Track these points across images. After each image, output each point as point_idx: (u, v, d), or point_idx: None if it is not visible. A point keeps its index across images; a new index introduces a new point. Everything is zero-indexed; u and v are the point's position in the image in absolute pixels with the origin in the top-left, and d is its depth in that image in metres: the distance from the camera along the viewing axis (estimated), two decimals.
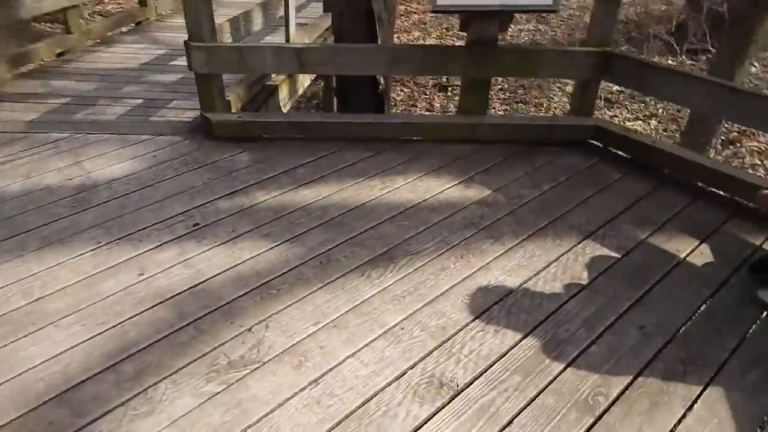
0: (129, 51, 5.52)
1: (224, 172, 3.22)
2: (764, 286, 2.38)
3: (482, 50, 3.34)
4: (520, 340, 2.12)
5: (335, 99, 4.93)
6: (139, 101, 4.19)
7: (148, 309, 2.25)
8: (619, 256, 2.60)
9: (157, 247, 2.61)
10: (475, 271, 2.48)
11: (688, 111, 5.69)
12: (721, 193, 3.07)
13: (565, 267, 2.52)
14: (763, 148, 5.88)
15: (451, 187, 3.11)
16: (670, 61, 7.98)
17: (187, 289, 2.36)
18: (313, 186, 3.10)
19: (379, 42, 4.23)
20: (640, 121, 6.50)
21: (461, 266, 2.51)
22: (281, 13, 5.29)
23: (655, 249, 2.65)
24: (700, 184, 3.13)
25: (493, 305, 2.29)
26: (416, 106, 7.07)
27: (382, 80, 4.31)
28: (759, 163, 5.64)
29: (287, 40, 5.38)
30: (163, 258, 2.54)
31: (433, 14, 3.46)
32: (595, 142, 3.55)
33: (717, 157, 5.33)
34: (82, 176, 3.16)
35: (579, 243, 2.68)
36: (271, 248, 2.61)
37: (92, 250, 2.59)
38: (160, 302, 2.29)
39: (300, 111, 6.89)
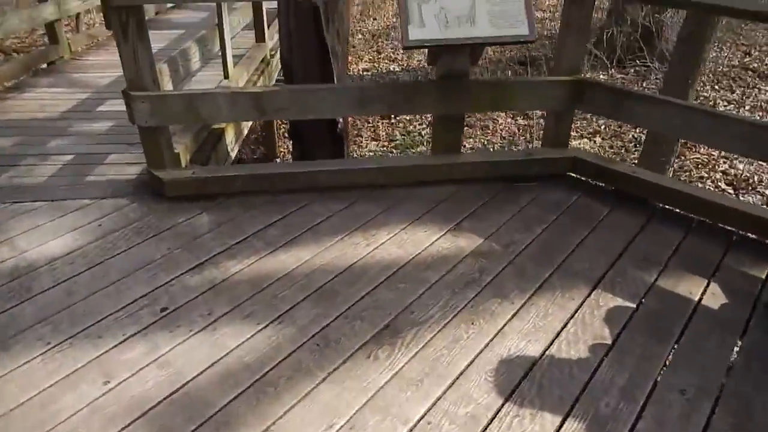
0: (46, 97, 4.94)
1: (185, 239, 2.84)
2: None
3: (454, 85, 3.14)
4: (562, 424, 1.90)
5: (288, 140, 4.61)
6: (70, 157, 3.69)
7: (122, 429, 1.87)
8: (635, 305, 2.44)
9: (121, 343, 2.21)
10: (491, 340, 2.25)
11: (645, 131, 5.73)
12: (710, 221, 2.99)
13: (584, 325, 2.33)
14: (705, 160, 6.02)
15: (439, 237, 2.88)
16: (601, 76, 8.14)
17: (167, 397, 1.99)
18: (289, 249, 2.78)
19: (335, 76, 3.97)
20: (585, 139, 6.53)
21: (474, 335, 2.27)
22: (217, 47, 4.94)
23: (668, 294, 2.51)
24: (688, 213, 3.05)
25: (521, 381, 2.06)
26: (361, 136, 6.83)
27: (340, 119, 4.04)
28: (705, 175, 5.76)
29: (226, 77, 5.03)
30: (130, 358, 2.15)
31: (405, 50, 3.21)
32: (574, 175, 3.43)
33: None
34: (15, 257, 2.70)
35: (590, 294, 2.50)
36: (258, 332, 2.27)
37: (41, 353, 2.16)
38: (137, 418, 1.91)
39: (242, 152, 6.48)
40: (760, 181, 5.55)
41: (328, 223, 2.99)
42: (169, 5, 8.71)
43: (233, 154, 4.54)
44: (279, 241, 2.83)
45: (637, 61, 8.24)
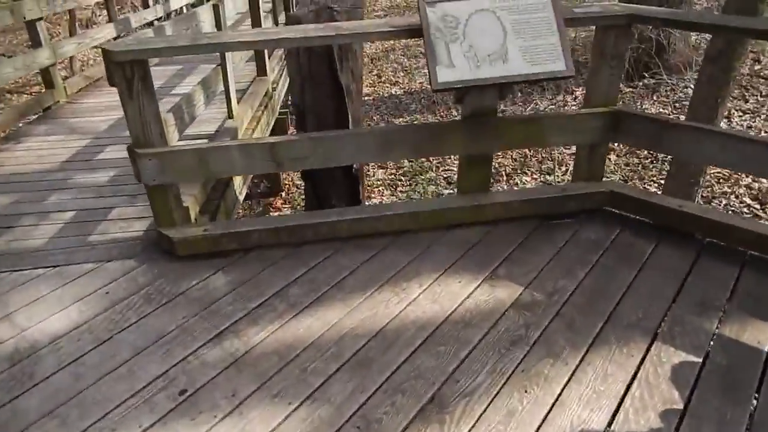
0: (44, 146, 4.72)
1: (200, 305, 2.61)
2: None
3: (481, 123, 2.93)
4: None
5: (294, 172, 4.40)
6: (71, 214, 3.46)
7: None
8: (700, 360, 2.21)
9: None
10: (549, 411, 2.02)
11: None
12: (765, 255, 2.78)
13: (649, 386, 2.10)
14: (726, 174, 5.82)
15: (476, 288, 2.66)
16: None
17: None
18: (314, 310, 2.56)
19: (349, 116, 3.77)
20: None
21: (530, 405, 2.04)
22: (220, 88, 4.74)
23: (734, 344, 2.29)
24: (739, 247, 2.83)
25: None
26: (368, 164, 6.63)
27: None
28: (728, 190, 5.55)
29: (230, 116, 4.86)
30: None
31: (435, 93, 3.01)
32: (611, 209, 3.21)
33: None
34: (15, 337, 2.46)
35: (649, 348, 2.27)
36: (290, 414, 2.04)
37: None
38: None
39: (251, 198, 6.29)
40: None
41: (354, 277, 2.77)
42: None
43: (241, 197, 4.34)
44: (303, 302, 2.61)
45: (645, 74, 8.08)
